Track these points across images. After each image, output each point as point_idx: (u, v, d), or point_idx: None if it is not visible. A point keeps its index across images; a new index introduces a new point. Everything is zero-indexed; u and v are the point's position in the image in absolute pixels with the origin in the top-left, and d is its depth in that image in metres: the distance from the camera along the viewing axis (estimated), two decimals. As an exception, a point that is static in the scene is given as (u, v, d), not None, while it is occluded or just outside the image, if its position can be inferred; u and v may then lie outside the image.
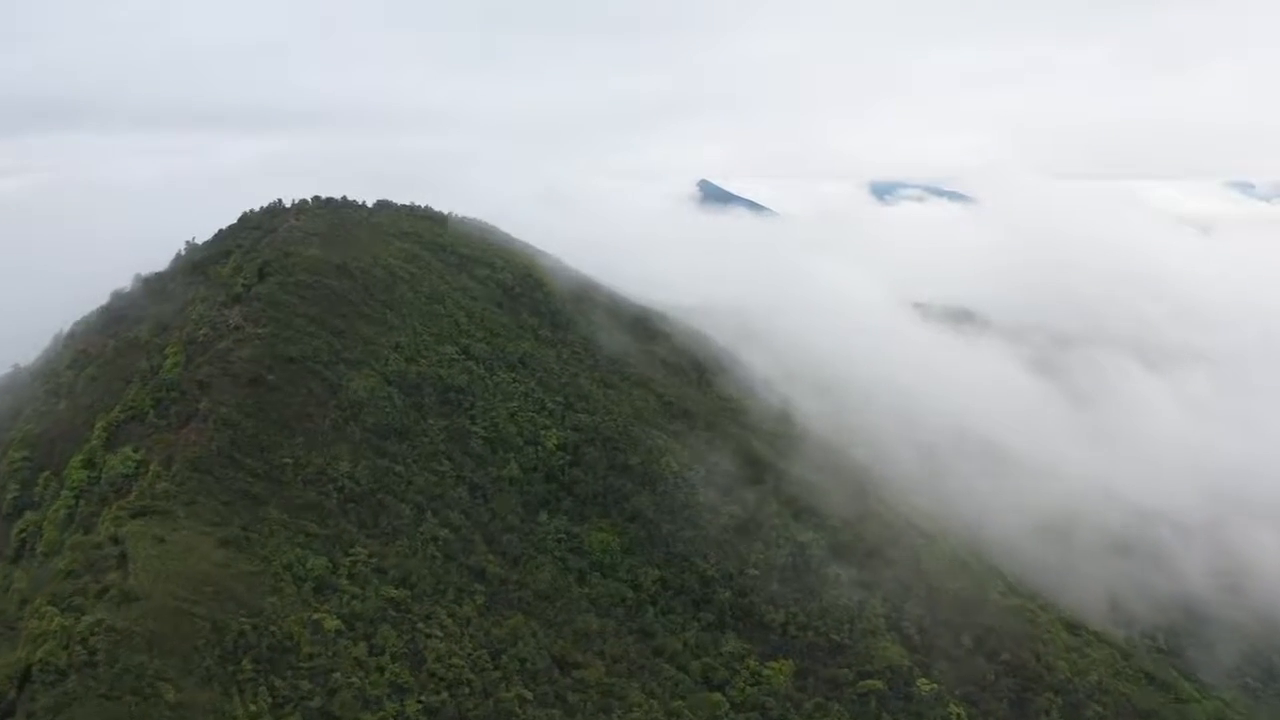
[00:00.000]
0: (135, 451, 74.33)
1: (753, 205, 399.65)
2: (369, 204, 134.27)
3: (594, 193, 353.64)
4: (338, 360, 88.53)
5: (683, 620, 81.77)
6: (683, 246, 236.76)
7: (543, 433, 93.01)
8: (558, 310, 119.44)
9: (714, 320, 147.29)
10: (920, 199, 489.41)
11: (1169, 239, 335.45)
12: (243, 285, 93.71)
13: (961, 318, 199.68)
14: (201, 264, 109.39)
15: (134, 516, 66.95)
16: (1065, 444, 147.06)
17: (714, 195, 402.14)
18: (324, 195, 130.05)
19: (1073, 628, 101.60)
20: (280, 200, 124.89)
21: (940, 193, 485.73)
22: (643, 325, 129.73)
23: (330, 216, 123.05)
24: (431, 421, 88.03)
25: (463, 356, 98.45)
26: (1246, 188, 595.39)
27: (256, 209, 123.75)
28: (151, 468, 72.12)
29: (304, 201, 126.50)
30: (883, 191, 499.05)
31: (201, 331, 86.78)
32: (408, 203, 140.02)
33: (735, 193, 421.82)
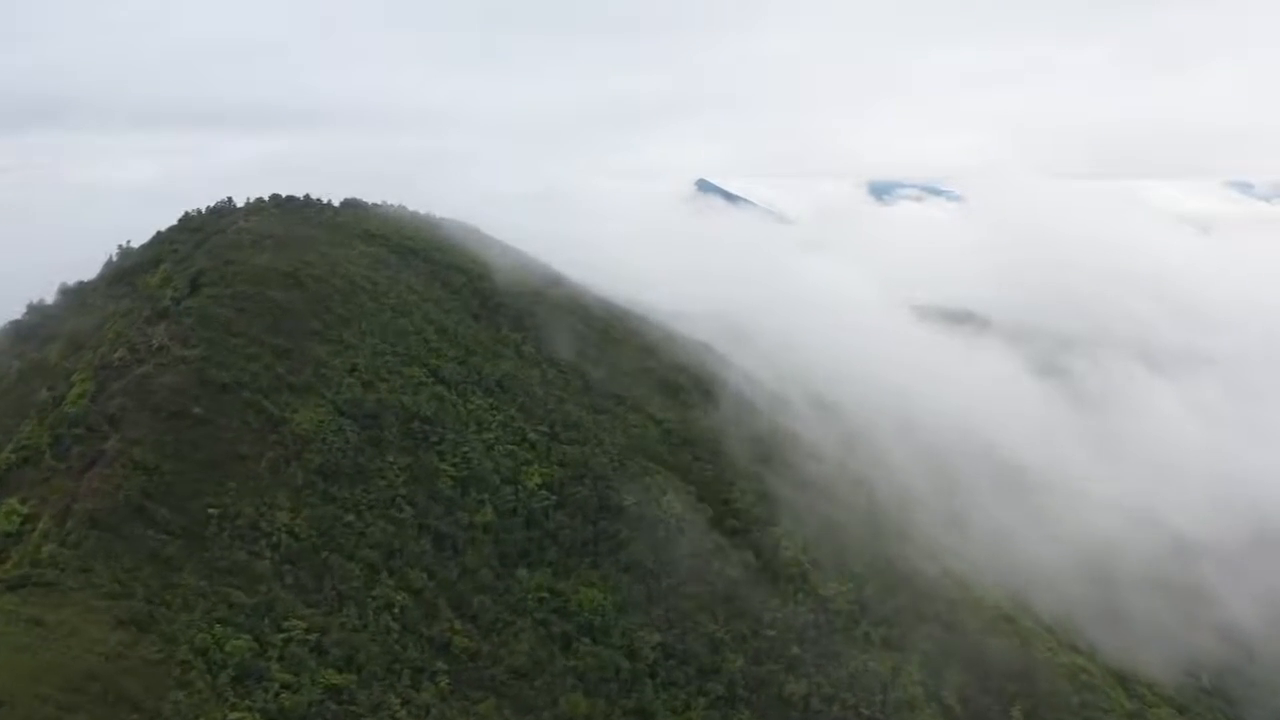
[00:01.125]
0: (23, 503, 60.99)
1: (751, 204, 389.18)
2: (336, 203, 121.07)
3: (593, 192, 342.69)
4: (280, 387, 75.26)
5: (687, 695, 69.12)
6: (680, 246, 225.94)
7: (524, 469, 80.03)
8: (544, 323, 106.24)
9: (711, 325, 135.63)
10: (919, 199, 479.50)
11: (1169, 239, 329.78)
12: (172, 298, 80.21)
13: (962, 319, 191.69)
14: (130, 272, 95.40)
15: (10, 589, 53.97)
16: (1078, 453, 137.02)
17: (712, 194, 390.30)
18: (308, 194, 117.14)
19: (1125, 681, 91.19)
20: (230, 199, 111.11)
21: (939, 192, 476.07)
22: (639, 338, 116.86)
23: (287, 217, 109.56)
24: (391, 459, 74.90)
25: (431, 380, 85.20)
26: (1246, 188, 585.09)
27: (202, 209, 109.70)
28: (40, 524, 59.01)
29: (259, 200, 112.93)
30: (881, 191, 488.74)
31: (118, 353, 73.32)
32: (391, 203, 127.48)
33: (734, 192, 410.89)
